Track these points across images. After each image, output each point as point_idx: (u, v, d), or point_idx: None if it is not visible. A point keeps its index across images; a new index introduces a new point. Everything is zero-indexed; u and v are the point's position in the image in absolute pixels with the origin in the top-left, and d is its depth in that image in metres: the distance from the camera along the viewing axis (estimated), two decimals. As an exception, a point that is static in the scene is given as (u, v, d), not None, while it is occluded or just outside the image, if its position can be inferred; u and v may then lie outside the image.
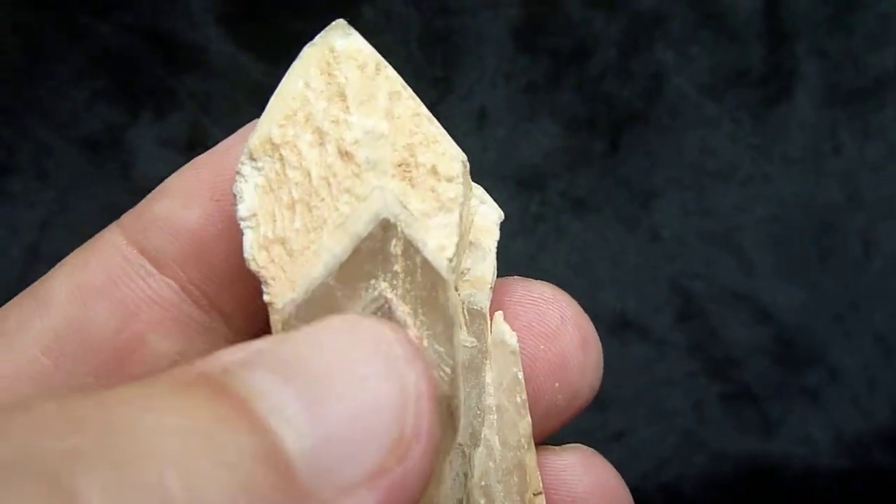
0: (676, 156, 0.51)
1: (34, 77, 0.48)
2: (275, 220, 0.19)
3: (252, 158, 0.19)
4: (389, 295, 0.19)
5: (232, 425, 0.13)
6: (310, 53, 0.19)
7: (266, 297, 0.18)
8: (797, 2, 0.51)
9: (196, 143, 0.49)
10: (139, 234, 0.20)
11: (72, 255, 0.20)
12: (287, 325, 0.18)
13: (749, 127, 0.51)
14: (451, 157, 0.20)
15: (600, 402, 0.53)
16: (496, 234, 0.21)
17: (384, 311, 0.19)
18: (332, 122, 0.19)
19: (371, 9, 0.47)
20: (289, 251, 0.19)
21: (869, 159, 0.52)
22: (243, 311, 0.20)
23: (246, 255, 0.19)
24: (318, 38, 0.20)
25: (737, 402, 0.52)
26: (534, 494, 0.21)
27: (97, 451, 0.12)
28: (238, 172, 0.19)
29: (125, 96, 0.49)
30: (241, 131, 0.21)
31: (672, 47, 0.51)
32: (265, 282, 0.18)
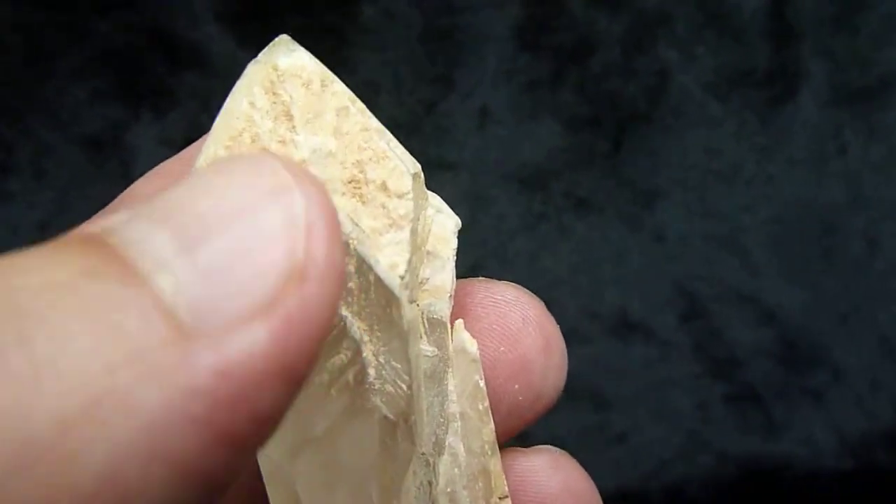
0: (680, 156, 0.51)
1: (35, 76, 0.48)
2: None
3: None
4: (345, 312, 0.19)
5: (101, 276, 0.12)
6: (254, 71, 0.19)
7: None
8: (802, 2, 0.51)
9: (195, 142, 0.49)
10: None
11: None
12: None
13: (754, 127, 0.51)
14: (401, 172, 0.20)
15: (603, 402, 0.53)
16: (454, 243, 0.21)
17: (340, 330, 0.19)
18: (280, 142, 0.19)
19: (372, 7, 0.47)
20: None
21: (873, 160, 0.52)
22: None
23: None
24: (261, 56, 0.19)
25: (740, 402, 0.53)
26: (499, 498, 0.21)
27: None
28: None
29: (126, 95, 0.49)
30: (205, 138, 0.21)
31: (676, 46, 0.51)
32: None
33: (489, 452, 0.21)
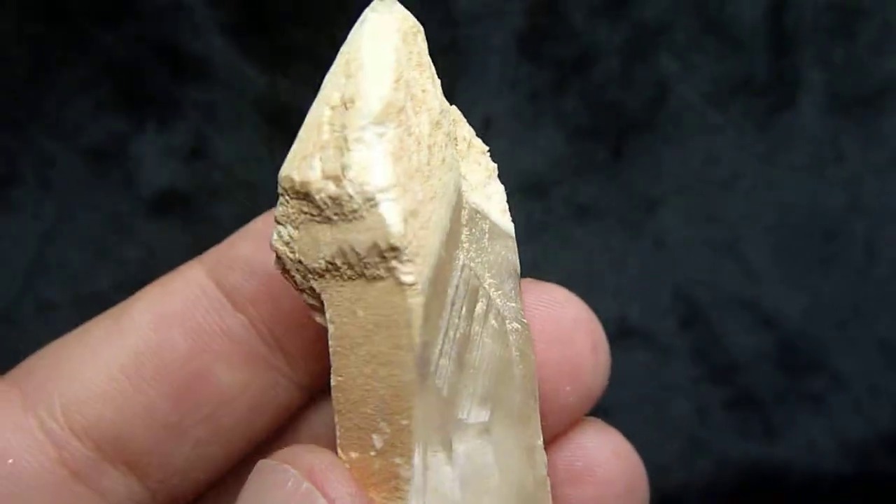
0: (680, 164, 0.51)
1: (38, 87, 0.48)
2: (405, 191, 0.18)
3: (377, 123, 0.18)
4: (465, 261, 0.19)
5: None
6: (377, 19, 0.19)
7: (408, 278, 0.17)
8: (800, 10, 0.51)
9: (199, 152, 0.49)
10: (219, 270, 0.21)
11: (152, 285, 0.22)
12: (427, 308, 0.18)
13: (753, 135, 0.51)
14: (471, 131, 0.21)
15: (603, 407, 0.53)
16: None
17: (467, 276, 0.19)
18: (422, 90, 0.19)
19: (375, 18, 0.47)
20: (422, 224, 0.18)
21: (872, 166, 0.52)
22: (305, 352, 0.21)
23: (393, 229, 0.17)
24: (377, 5, 0.19)
25: (740, 408, 0.53)
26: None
27: None
28: (348, 140, 0.18)
29: (129, 106, 0.49)
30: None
31: (676, 56, 0.51)
32: (410, 259, 0.17)
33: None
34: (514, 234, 0.20)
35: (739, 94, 0.51)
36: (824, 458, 0.53)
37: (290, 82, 0.49)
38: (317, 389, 0.22)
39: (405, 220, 0.17)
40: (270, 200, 0.21)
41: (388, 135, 0.18)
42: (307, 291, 0.19)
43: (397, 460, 0.18)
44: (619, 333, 0.52)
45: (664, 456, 0.52)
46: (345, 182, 0.17)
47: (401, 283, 0.17)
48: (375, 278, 0.17)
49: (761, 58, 0.51)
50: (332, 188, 0.17)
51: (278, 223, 0.18)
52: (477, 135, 0.22)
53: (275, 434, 0.23)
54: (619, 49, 0.51)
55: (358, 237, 0.17)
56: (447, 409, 0.18)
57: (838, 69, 0.51)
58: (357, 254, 0.17)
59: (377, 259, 0.17)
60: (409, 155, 0.18)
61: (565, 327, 0.23)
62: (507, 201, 0.21)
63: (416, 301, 0.17)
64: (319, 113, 0.18)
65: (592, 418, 0.23)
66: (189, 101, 0.49)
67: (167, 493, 0.21)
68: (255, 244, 0.21)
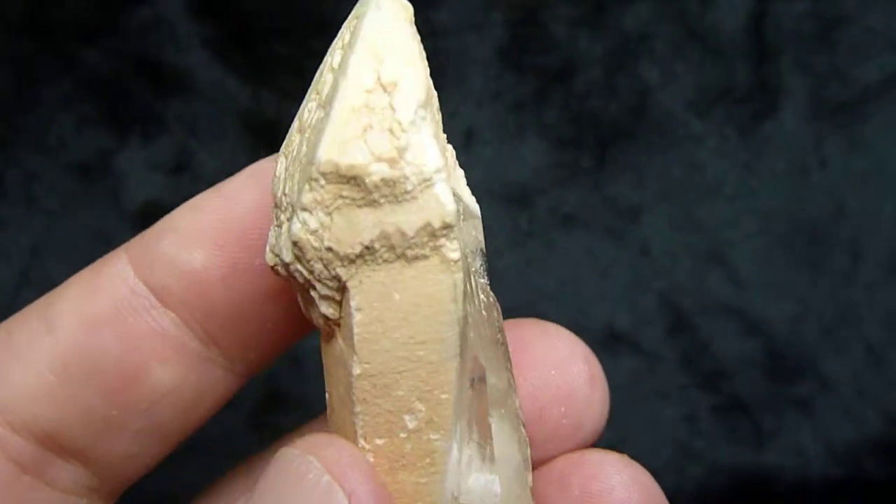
0: (663, 172, 0.52)
1: (22, 103, 0.48)
2: (448, 171, 0.18)
3: (423, 106, 0.18)
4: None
5: None
6: (391, 6, 0.19)
7: (455, 254, 0.18)
8: (781, 18, 0.51)
9: (184, 166, 0.49)
10: (145, 268, 0.21)
11: (77, 277, 0.22)
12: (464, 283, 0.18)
13: (735, 142, 0.52)
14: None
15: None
16: None
17: (465, 253, 0.19)
18: (428, 76, 0.19)
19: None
20: (462, 208, 0.19)
21: (854, 172, 0.52)
22: (241, 346, 0.21)
23: (448, 208, 0.18)
24: (383, 2, 0.19)
25: (728, 413, 0.53)
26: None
27: None
28: (402, 123, 0.18)
29: (113, 121, 0.49)
30: (248, 171, 0.21)
31: (657, 65, 0.51)
32: (456, 237, 0.18)
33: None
34: (479, 215, 0.21)
35: (721, 101, 0.51)
36: (813, 463, 0.53)
37: (272, 95, 0.49)
38: (254, 373, 0.23)
39: (454, 199, 0.18)
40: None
41: (428, 118, 0.18)
42: (317, 284, 0.19)
43: (433, 436, 0.18)
44: (607, 340, 0.52)
45: (654, 462, 0.52)
46: (402, 164, 0.18)
47: (447, 260, 0.18)
48: (417, 258, 0.18)
49: (742, 66, 0.51)
50: (386, 170, 0.18)
51: (304, 210, 0.18)
52: (459, 146, 0.23)
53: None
54: (600, 59, 0.51)
55: (408, 218, 0.18)
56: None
57: (820, 76, 0.52)
58: (404, 234, 0.18)
59: (426, 238, 0.18)
60: (441, 137, 0.19)
61: (561, 354, 0.23)
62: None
63: (458, 277, 0.18)
64: (355, 97, 0.18)
65: (614, 453, 0.24)
66: (172, 116, 0.49)
67: (114, 478, 0.21)
68: (180, 242, 0.21)
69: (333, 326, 0.19)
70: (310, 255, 0.18)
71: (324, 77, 0.20)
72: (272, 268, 0.19)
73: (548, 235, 0.51)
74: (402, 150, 0.18)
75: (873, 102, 0.52)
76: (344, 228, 0.18)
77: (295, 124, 0.20)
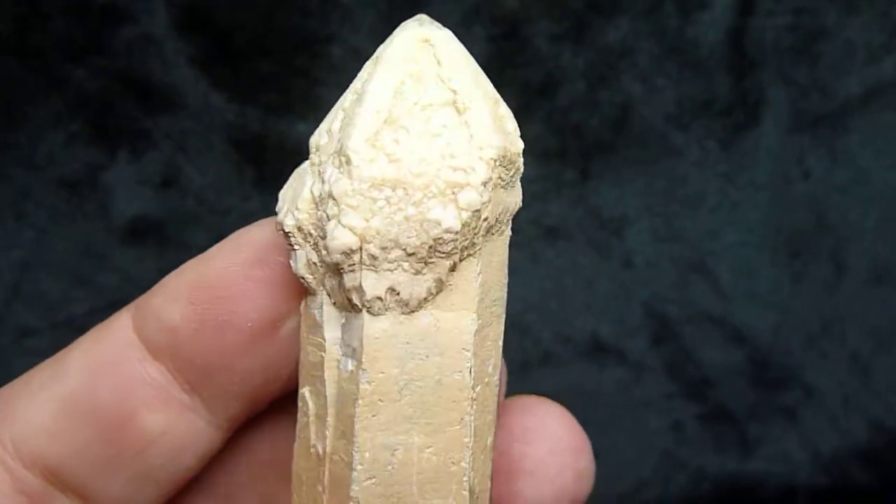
0: (646, 184, 0.52)
1: (12, 121, 0.49)
2: None
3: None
4: None
5: None
6: (406, 36, 0.21)
7: (509, 231, 0.21)
8: (761, 32, 0.51)
9: (171, 181, 0.50)
10: (140, 322, 0.23)
11: (91, 330, 0.24)
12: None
13: (716, 155, 0.52)
14: None
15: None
16: None
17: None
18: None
19: (340, 48, 0.48)
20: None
21: (836, 184, 0.52)
22: (220, 397, 0.23)
23: (520, 195, 0.22)
24: (412, 24, 0.21)
25: (714, 422, 0.53)
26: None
27: None
28: (504, 119, 0.21)
29: (101, 138, 0.49)
30: (231, 236, 0.23)
31: (638, 79, 0.51)
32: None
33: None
34: None
35: (703, 114, 0.52)
36: (798, 470, 0.53)
37: (257, 111, 0.49)
38: (236, 431, 0.25)
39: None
40: (241, 225, 0.22)
41: None
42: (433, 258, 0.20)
43: (495, 378, 0.21)
44: (592, 350, 0.52)
45: (640, 471, 0.52)
46: (518, 155, 0.21)
47: (506, 235, 0.21)
48: (499, 233, 0.21)
49: (724, 79, 0.51)
50: (520, 160, 0.21)
51: (483, 185, 0.20)
52: None
53: (199, 476, 0.25)
54: (583, 73, 0.51)
55: (511, 199, 0.21)
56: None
57: (801, 88, 0.52)
58: (508, 212, 0.21)
59: (508, 217, 0.21)
60: None
61: (549, 424, 0.25)
62: None
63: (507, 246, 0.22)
64: (494, 100, 0.22)
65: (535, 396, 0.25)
66: (160, 132, 0.49)
67: None
68: (164, 298, 0.23)
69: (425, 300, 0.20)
70: (471, 225, 0.20)
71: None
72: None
73: (532, 247, 0.52)
74: (517, 142, 0.21)
75: (854, 115, 0.52)
76: (496, 204, 0.21)
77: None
